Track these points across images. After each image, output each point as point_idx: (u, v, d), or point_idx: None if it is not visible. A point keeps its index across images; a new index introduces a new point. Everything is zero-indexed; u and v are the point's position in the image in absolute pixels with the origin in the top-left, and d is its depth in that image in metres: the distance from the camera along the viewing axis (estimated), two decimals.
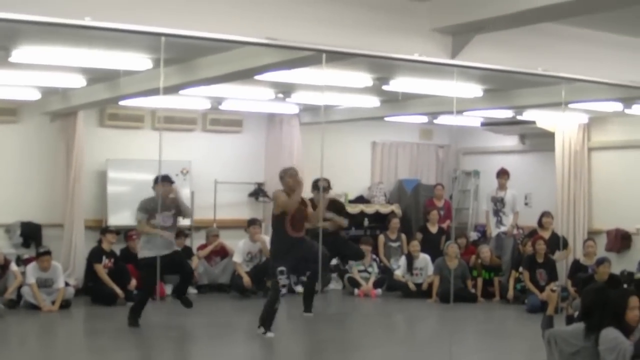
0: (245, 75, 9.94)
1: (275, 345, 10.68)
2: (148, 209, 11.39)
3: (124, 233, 14.25)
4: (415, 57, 7.72)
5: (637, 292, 7.06)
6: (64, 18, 6.19)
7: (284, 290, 10.98)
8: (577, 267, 13.88)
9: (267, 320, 10.74)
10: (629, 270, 14.21)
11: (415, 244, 15.34)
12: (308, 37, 7.23)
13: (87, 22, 6.24)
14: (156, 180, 11.42)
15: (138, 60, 9.76)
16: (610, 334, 6.56)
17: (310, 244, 10.95)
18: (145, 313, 11.55)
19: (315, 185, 12.91)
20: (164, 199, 11.32)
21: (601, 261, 12.69)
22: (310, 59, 8.01)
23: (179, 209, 11.67)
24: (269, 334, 10.68)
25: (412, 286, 14.84)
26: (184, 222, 12.81)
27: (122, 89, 11.68)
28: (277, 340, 10.77)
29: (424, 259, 15.10)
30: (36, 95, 13.26)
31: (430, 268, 14.88)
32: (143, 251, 11.46)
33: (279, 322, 11.10)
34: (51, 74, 11.28)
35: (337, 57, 8.01)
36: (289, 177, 10.92)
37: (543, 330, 7.19)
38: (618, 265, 14.50)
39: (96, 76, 11.45)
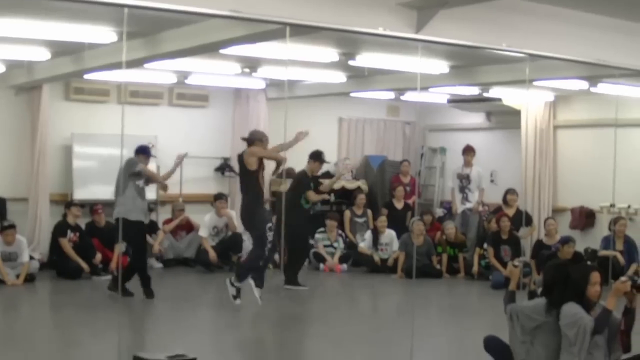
0: (209, 49, 9.89)
1: (237, 320, 10.69)
2: None
3: (90, 207, 14.20)
4: (380, 31, 7.70)
5: (598, 268, 7.14)
6: None
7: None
8: (540, 247, 13.93)
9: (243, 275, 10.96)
10: (592, 247, 14.32)
11: (383, 220, 15.39)
12: (272, 10, 7.19)
13: None
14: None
15: (102, 33, 9.68)
16: (571, 309, 6.63)
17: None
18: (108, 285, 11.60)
19: (318, 157, 12.90)
20: None
21: (566, 240, 12.57)
22: (274, 33, 7.97)
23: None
24: (238, 301, 10.81)
25: (377, 259, 14.91)
26: (149, 196, 12.63)
27: (86, 62, 11.59)
28: (239, 315, 10.78)
29: (389, 235, 15.18)
30: (0, 69, 13.15)
31: (396, 244, 14.96)
32: (136, 213, 11.45)
33: (241, 295, 11.05)
34: (15, 46, 11.18)
35: (301, 31, 7.98)
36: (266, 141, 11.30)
37: (505, 306, 7.25)
38: (582, 242, 14.59)
39: (61, 49, 11.36)
